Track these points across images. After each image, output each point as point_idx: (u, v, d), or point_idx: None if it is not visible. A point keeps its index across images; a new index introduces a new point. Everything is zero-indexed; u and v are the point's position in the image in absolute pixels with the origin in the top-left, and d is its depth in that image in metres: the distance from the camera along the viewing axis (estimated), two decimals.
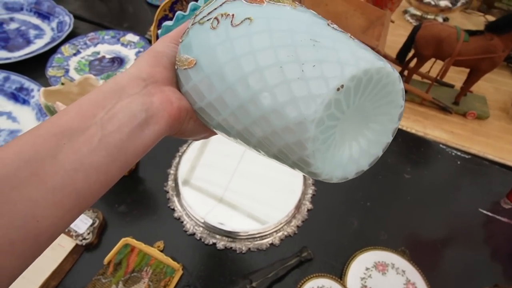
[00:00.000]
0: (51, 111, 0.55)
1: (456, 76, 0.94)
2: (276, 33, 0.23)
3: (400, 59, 0.90)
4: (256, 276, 0.56)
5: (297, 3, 0.26)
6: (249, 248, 0.60)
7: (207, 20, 0.25)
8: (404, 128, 0.85)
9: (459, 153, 0.79)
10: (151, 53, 0.28)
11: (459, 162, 0.78)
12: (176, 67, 0.27)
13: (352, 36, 0.24)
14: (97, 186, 0.23)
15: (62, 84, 0.58)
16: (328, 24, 0.25)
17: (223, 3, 0.26)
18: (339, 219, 0.66)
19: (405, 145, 0.80)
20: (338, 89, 0.21)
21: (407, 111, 0.89)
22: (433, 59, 0.85)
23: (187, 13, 0.34)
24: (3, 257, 0.20)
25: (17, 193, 0.20)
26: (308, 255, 0.59)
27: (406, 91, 0.90)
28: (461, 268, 0.61)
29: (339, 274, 0.58)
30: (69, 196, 0.22)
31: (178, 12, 0.35)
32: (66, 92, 0.59)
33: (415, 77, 0.91)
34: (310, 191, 0.68)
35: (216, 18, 0.25)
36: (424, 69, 0.89)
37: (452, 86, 0.94)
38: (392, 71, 0.22)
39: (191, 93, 0.26)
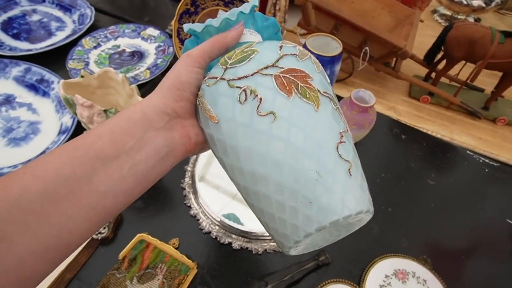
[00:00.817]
0: (70, 104, 0.55)
1: (487, 80, 0.91)
2: (291, 147, 0.26)
3: (428, 61, 0.87)
4: (271, 278, 0.54)
5: (321, 95, 0.28)
6: (265, 249, 0.59)
7: (237, 87, 0.28)
8: (430, 132, 0.82)
9: (487, 160, 0.76)
10: (176, 83, 0.29)
11: (487, 170, 0.74)
12: (197, 102, 0.30)
13: (350, 170, 0.27)
14: (122, 205, 0.26)
15: (82, 77, 0.58)
16: (341, 136, 0.27)
17: (255, 73, 0.28)
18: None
19: (430, 149, 0.77)
20: (320, 229, 0.25)
21: (433, 115, 0.86)
22: (463, 62, 0.82)
23: (217, 25, 0.33)
24: (38, 262, 0.23)
25: (55, 208, 0.23)
26: (325, 259, 0.58)
27: (432, 95, 0.88)
28: (485, 281, 0.58)
29: (357, 281, 0.56)
30: (99, 214, 0.25)
31: (208, 21, 0.33)
32: (85, 85, 0.58)
33: (443, 79, 0.88)
34: None
35: (245, 91, 0.27)
36: (452, 71, 0.86)
37: (482, 90, 0.91)
38: (368, 214, 0.27)
39: (208, 137, 0.30)
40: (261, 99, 0.27)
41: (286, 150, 0.26)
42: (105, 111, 0.53)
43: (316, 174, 0.25)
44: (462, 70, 0.84)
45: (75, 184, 0.23)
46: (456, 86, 0.88)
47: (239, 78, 0.28)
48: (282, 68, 0.28)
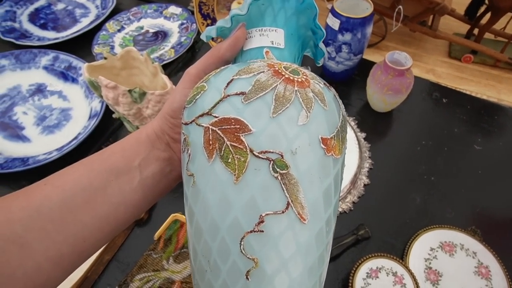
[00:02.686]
0: (95, 86, 0.54)
1: None
2: (195, 224, 0.23)
3: (469, 15, 0.79)
4: None
5: (255, 157, 0.21)
6: None
7: (183, 132, 0.25)
8: (474, 94, 0.75)
9: None
10: (169, 111, 0.29)
11: None
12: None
13: (249, 273, 0.21)
14: (132, 217, 0.28)
15: (105, 58, 0.57)
16: (259, 223, 0.21)
17: (192, 121, 0.23)
18: (399, 195, 0.60)
19: (475, 112, 0.71)
20: None
21: (477, 75, 0.79)
22: (509, 14, 0.74)
23: (228, 25, 0.27)
24: (54, 269, 0.24)
25: (73, 216, 0.24)
26: (365, 233, 0.55)
27: (476, 53, 0.80)
28: None
29: (400, 255, 0.53)
30: (111, 224, 0.26)
31: (219, 22, 0.28)
32: (109, 67, 0.57)
33: (488, 35, 0.80)
34: (367, 165, 0.63)
35: (185, 139, 0.24)
36: (498, 25, 0.77)
37: None
38: None
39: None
40: (189, 155, 0.23)
41: (190, 223, 0.23)
42: (129, 91, 0.52)
43: (207, 264, 0.22)
44: (510, 23, 0.76)
45: (91, 195, 0.25)
46: (502, 41, 0.80)
47: (185, 124, 0.24)
48: (216, 117, 0.22)
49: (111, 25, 0.92)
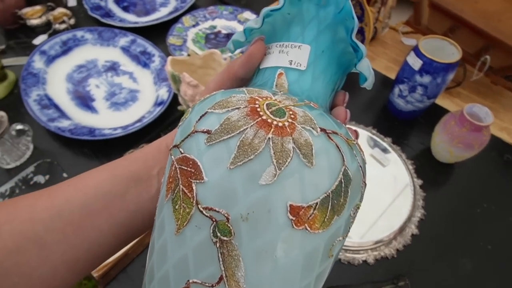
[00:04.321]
0: (175, 80, 0.56)
1: None
2: (148, 267, 0.21)
3: None
4: None
5: (199, 212, 0.18)
6: (340, 259, 0.56)
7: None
8: None
9: None
10: None
11: None
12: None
13: None
14: (148, 226, 0.27)
15: (189, 55, 0.59)
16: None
17: (170, 150, 0.21)
18: (448, 255, 0.57)
19: None
20: None
21: None
22: None
23: (258, 25, 0.24)
24: (68, 272, 0.24)
25: (91, 221, 0.24)
26: (405, 286, 0.53)
27: None
28: None
29: None
30: (127, 231, 0.26)
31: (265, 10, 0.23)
32: (190, 64, 0.59)
33: None
34: (418, 215, 0.61)
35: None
36: None
37: None
38: None
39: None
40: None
41: (147, 265, 0.21)
42: None
43: None
44: None
45: (111, 201, 0.25)
46: None
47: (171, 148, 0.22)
48: (181, 153, 0.19)
49: (187, 19, 0.94)
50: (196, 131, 0.19)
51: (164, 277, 0.19)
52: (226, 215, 0.17)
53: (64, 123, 0.69)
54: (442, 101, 0.80)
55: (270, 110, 0.19)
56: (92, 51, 0.84)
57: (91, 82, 0.80)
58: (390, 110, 0.76)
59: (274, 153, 0.17)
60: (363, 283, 0.53)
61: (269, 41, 0.25)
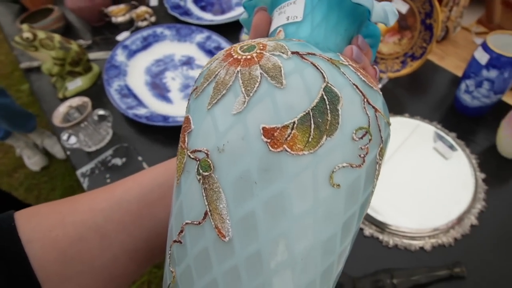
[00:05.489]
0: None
1: None
2: None
3: None
4: (398, 273, 0.54)
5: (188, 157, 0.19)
6: (396, 245, 0.58)
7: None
8: None
9: None
10: None
11: None
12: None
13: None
14: None
15: None
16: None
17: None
18: (508, 247, 0.57)
19: None
20: None
21: None
22: None
23: None
24: (129, 262, 0.25)
25: (148, 210, 0.25)
26: (460, 272, 0.54)
27: None
28: None
29: None
30: None
31: None
32: None
33: None
34: (479, 206, 0.61)
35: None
36: None
37: None
38: None
39: None
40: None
41: None
42: None
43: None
44: None
45: (167, 191, 0.26)
46: None
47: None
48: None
49: None
50: (192, 91, 0.20)
51: (169, 229, 0.20)
52: (205, 151, 0.18)
53: (141, 111, 0.76)
54: (509, 98, 0.78)
55: (241, 49, 0.19)
56: (170, 47, 0.94)
57: (168, 75, 0.89)
58: (456, 107, 0.76)
59: (242, 82, 0.17)
60: (418, 267, 0.55)
61: (272, 9, 0.24)
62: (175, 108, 0.81)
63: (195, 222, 0.18)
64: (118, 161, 0.71)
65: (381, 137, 0.19)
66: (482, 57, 0.65)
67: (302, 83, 0.17)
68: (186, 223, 0.18)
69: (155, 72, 0.89)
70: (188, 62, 0.91)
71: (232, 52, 0.19)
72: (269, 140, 0.16)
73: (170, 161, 0.29)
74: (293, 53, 0.18)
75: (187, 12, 1.03)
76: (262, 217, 0.16)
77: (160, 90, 0.85)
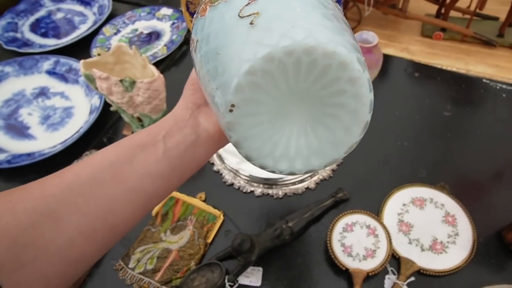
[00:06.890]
0: (90, 79, 0.60)
1: (500, 8, 0.87)
2: None
3: None
4: (292, 217, 0.58)
5: None
6: (286, 193, 0.62)
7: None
8: (445, 67, 0.80)
9: (504, 86, 0.74)
10: (190, 80, 0.32)
11: (504, 95, 0.73)
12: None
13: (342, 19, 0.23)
14: (161, 190, 0.29)
15: (99, 55, 0.63)
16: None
17: None
18: (374, 161, 0.65)
19: (445, 83, 0.77)
20: (268, 59, 0.19)
21: (447, 50, 0.84)
22: None
23: None
24: (86, 243, 0.25)
25: (101, 190, 0.26)
26: (343, 196, 0.60)
27: (445, 30, 0.85)
28: (506, 202, 0.58)
29: (376, 211, 0.59)
30: (140, 196, 0.27)
31: None
32: (103, 63, 0.63)
33: (456, 14, 0.85)
34: None
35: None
36: (463, 4, 0.83)
37: (496, 19, 0.87)
38: (340, 54, 0.19)
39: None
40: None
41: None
42: (121, 81, 0.58)
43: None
44: (473, 1, 0.82)
45: (118, 168, 0.26)
46: (468, 18, 0.86)
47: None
48: None
49: (107, 29, 0.98)
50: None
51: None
52: None
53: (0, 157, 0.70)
54: None
55: None
56: (17, 83, 0.86)
57: (22, 112, 0.81)
58: None
59: None
60: (308, 205, 0.60)
61: None
62: (40, 143, 0.75)
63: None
64: None
65: None
66: None
67: None
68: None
69: (7, 114, 0.81)
70: (42, 92, 0.85)
71: None
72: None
73: (119, 141, 0.29)
74: None
75: (26, 43, 0.96)
76: None
77: (18, 130, 0.78)
